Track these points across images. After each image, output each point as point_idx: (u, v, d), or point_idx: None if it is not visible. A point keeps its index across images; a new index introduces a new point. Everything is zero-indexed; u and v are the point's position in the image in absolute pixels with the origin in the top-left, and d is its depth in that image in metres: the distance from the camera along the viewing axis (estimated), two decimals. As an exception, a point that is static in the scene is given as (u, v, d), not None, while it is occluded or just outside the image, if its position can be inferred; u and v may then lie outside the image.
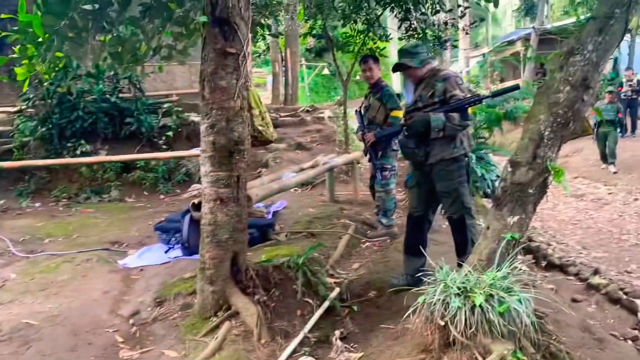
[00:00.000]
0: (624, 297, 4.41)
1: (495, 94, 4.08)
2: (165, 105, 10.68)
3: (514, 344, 2.52)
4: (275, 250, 4.68)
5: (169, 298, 3.87)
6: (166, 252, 5.20)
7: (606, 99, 11.46)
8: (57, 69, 3.97)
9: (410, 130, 3.62)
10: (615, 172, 10.98)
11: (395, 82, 16.42)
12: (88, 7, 3.33)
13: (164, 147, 9.94)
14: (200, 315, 3.48)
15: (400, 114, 5.02)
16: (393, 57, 20.70)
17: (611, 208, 8.55)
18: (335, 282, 4.15)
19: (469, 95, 3.65)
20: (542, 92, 2.93)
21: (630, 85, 13.06)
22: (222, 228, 3.45)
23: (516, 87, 4.57)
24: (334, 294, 3.79)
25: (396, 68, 3.81)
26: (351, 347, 3.30)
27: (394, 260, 4.43)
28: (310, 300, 3.67)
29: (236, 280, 3.53)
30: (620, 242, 6.48)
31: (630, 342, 3.74)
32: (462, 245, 3.67)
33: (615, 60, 17.45)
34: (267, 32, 5.36)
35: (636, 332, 3.92)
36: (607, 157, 11.28)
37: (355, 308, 3.78)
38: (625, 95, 13.02)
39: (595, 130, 10.85)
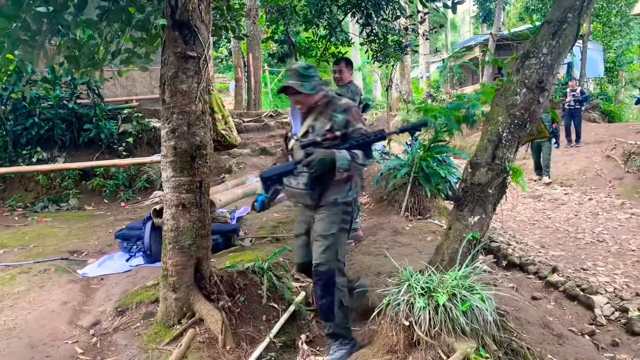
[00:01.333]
0: (581, 293, 4.55)
1: (402, 130, 3.37)
2: (125, 111, 10.49)
3: (477, 342, 2.56)
4: (240, 256, 4.64)
5: (131, 307, 3.79)
6: (127, 260, 5.10)
7: None
8: (8, 72, 3.85)
9: (311, 170, 2.90)
10: (549, 183, 10.90)
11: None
12: (42, 9, 3.24)
13: (124, 153, 9.76)
14: (164, 323, 3.41)
15: None
16: (356, 62, 20.92)
17: (567, 208, 8.82)
18: (300, 286, 4.14)
19: (372, 130, 3.09)
20: (500, 94, 3.01)
21: (573, 96, 13.16)
22: (185, 234, 3.40)
23: (424, 124, 3.77)
24: (299, 298, 3.78)
25: (282, 90, 3.11)
26: (317, 350, 3.30)
27: (359, 263, 4.46)
28: (276, 305, 3.66)
29: (200, 286, 3.48)
30: (576, 241, 6.69)
31: (587, 336, 3.86)
32: (328, 309, 3.06)
33: (569, 65, 18.08)
34: (232, 35, 5.29)
35: (593, 327, 4.04)
36: (541, 168, 11.22)
37: (320, 311, 3.77)
38: (568, 105, 13.15)
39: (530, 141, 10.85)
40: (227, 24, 5.05)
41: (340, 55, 8.59)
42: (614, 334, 3.93)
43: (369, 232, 5.80)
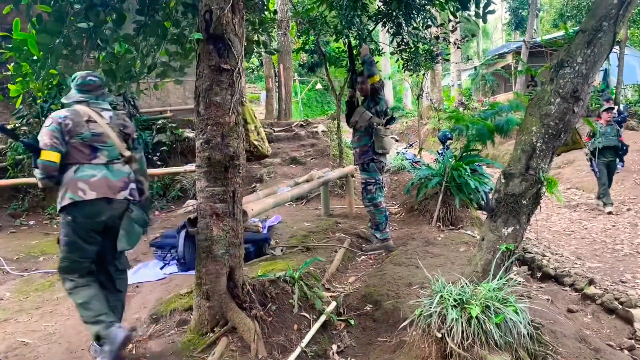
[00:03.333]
0: (620, 307, 4.42)
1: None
2: (160, 122, 10.72)
3: (510, 355, 2.53)
4: (271, 265, 4.68)
5: (165, 314, 3.86)
6: (162, 268, 5.19)
7: (603, 120, 9.50)
8: (50, 86, 4.00)
9: None
10: (610, 213, 8.87)
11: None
12: (83, 25, 3.36)
13: (159, 163, 9.95)
14: (197, 331, 3.46)
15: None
16: (386, 71, 20.94)
17: (604, 218, 8.60)
18: (331, 296, 4.15)
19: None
20: (534, 104, 2.97)
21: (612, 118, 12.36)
22: (218, 243, 3.45)
23: None
24: (330, 308, 3.79)
25: None
26: (349, 361, 3.29)
27: (390, 274, 4.44)
28: (307, 315, 3.67)
29: (233, 295, 3.52)
30: (614, 252, 6.51)
31: (626, 351, 3.74)
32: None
33: (605, 71, 17.68)
34: (264, 50, 5.37)
35: (632, 341, 3.92)
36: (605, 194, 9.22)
37: (352, 322, 3.77)
38: None
39: (594, 161, 9.26)
40: (258, 38, 5.13)
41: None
42: (655, 349, 3.81)
43: (399, 242, 5.77)
